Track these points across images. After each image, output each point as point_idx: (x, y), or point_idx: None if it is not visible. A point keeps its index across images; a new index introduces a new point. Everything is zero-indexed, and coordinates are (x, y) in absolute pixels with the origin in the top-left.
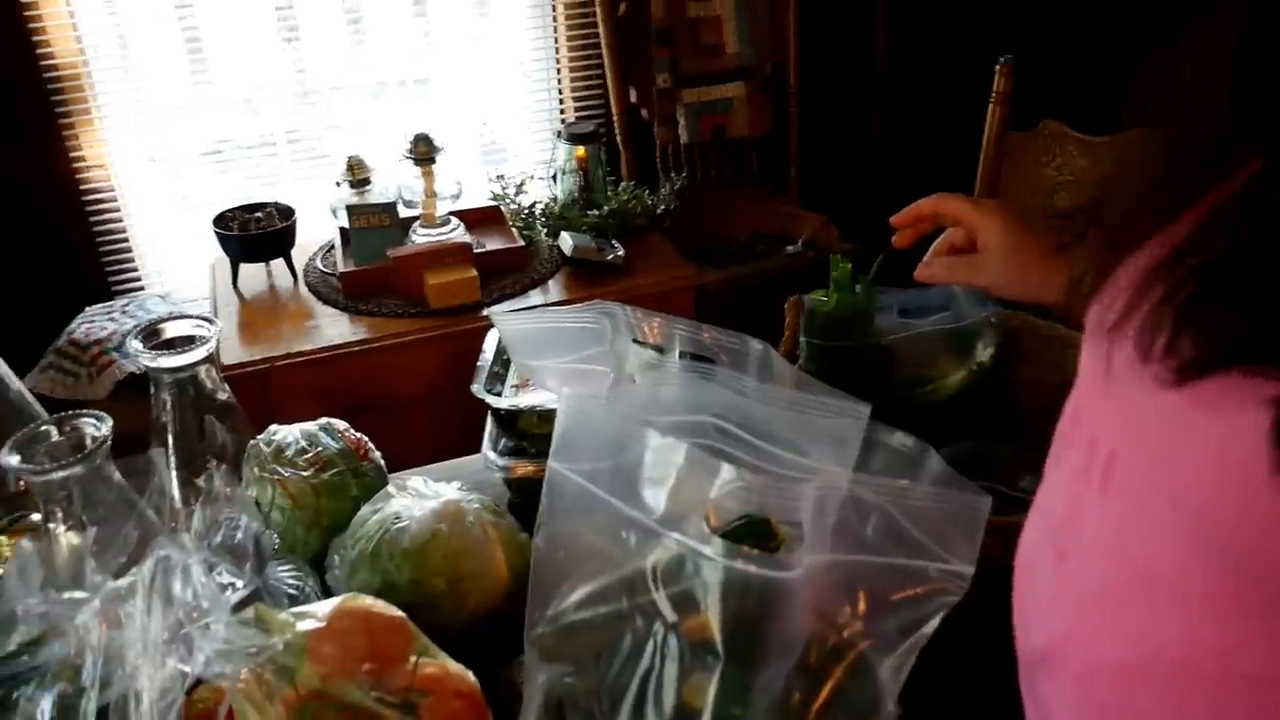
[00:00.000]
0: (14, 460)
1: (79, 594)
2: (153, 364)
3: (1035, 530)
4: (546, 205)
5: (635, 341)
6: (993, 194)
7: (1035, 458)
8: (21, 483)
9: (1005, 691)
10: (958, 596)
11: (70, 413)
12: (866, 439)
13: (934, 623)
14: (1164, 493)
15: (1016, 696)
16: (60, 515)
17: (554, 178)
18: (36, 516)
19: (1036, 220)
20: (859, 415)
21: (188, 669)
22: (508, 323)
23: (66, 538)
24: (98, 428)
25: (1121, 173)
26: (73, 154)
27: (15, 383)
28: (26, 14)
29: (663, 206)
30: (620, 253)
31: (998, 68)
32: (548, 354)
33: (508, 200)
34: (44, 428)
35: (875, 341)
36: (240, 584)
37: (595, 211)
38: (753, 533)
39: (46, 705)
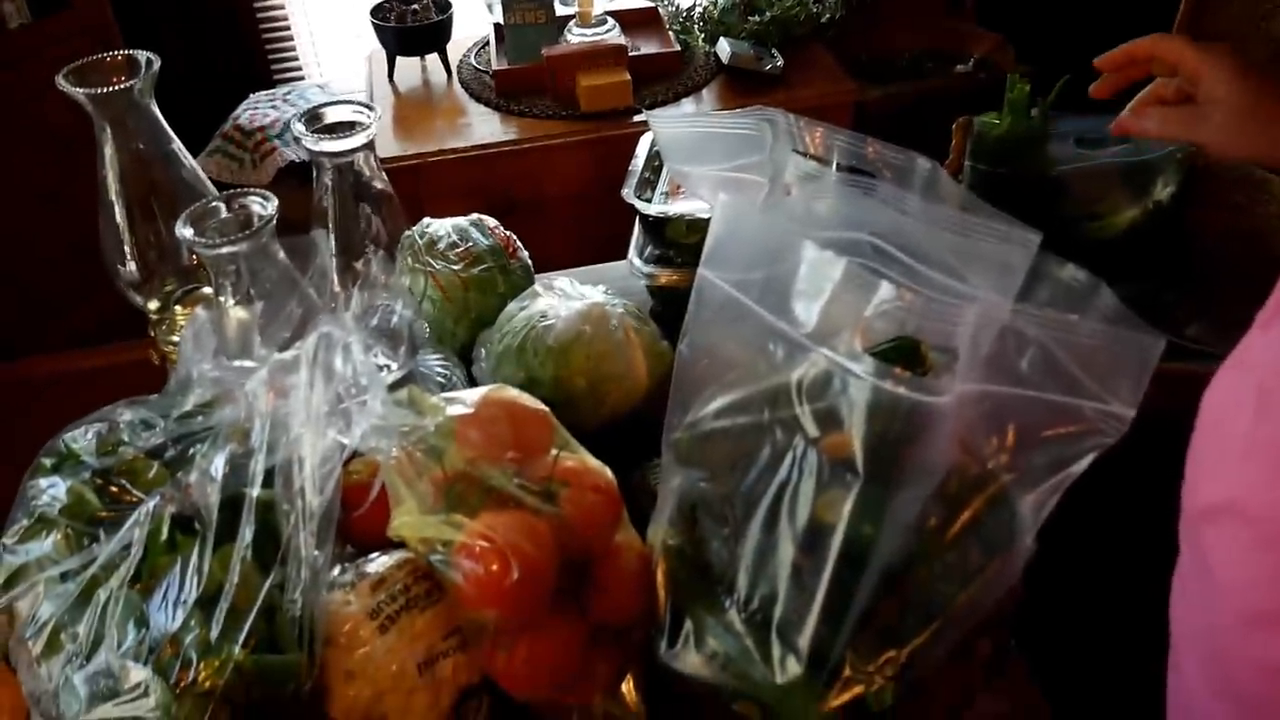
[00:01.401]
0: (188, 233)
1: (248, 363)
2: (315, 147)
3: (1233, 384)
4: (705, 9)
5: (795, 151)
6: (1201, 21)
7: (1206, 305)
8: (194, 257)
9: (1145, 540)
10: (1113, 439)
11: (238, 190)
12: (1034, 270)
13: (1084, 463)
14: None
15: (1158, 545)
16: (229, 289)
17: None
18: (208, 289)
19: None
20: (1027, 244)
21: (346, 440)
22: (665, 126)
23: (235, 311)
24: (264, 206)
25: None
26: None
27: (189, 160)
28: None
29: (827, 15)
30: (779, 63)
31: None
32: (704, 160)
33: (665, 2)
34: (214, 204)
35: (1046, 170)
36: (395, 366)
37: (756, 17)
38: (902, 355)
39: (219, 462)
